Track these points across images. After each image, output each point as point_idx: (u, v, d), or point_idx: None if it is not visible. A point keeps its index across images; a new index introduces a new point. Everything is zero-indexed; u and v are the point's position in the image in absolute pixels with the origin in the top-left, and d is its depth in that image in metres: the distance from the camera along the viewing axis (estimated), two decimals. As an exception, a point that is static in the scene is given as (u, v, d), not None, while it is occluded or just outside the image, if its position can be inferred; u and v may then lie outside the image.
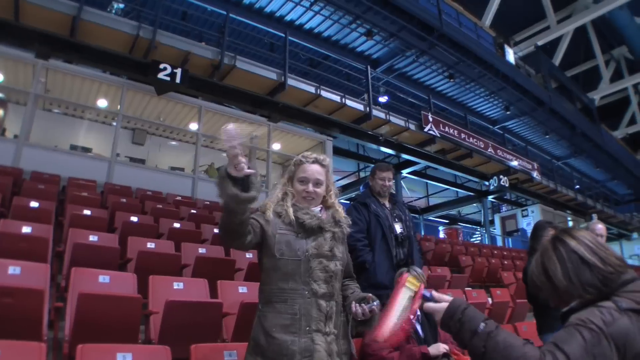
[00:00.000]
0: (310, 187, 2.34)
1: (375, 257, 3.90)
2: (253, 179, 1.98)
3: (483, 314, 1.48)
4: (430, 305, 1.58)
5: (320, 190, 2.37)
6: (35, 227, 5.00)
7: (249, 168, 1.95)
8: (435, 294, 1.60)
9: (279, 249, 2.22)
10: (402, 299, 1.67)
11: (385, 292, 3.65)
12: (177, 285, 4.07)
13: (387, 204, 4.19)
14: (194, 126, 12.20)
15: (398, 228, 4.06)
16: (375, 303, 2.16)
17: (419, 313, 3.20)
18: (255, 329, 2.21)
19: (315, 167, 2.38)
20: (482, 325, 1.41)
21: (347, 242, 3.95)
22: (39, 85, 9.66)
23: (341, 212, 2.43)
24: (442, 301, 1.56)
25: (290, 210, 2.29)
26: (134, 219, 6.43)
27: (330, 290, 2.21)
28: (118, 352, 2.60)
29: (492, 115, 21.30)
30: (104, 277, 3.83)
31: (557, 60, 29.30)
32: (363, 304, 2.17)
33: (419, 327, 3.24)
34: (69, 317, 3.34)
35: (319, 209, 2.39)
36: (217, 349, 2.87)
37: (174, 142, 14.63)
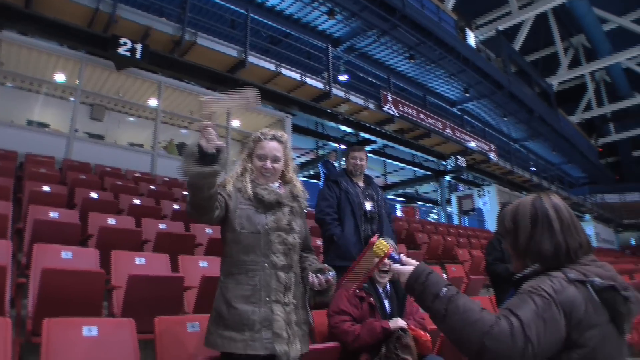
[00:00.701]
0: (268, 164, 2.41)
1: (344, 230, 4.15)
2: (222, 154, 2.02)
3: (445, 280, 1.57)
4: (397, 267, 1.67)
5: (278, 166, 2.44)
6: (-7, 203, 4.95)
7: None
8: (403, 257, 1.69)
9: (239, 223, 2.29)
10: (368, 257, 1.78)
11: None
12: (139, 260, 4.13)
13: (361, 184, 4.46)
14: (153, 102, 12.05)
15: (368, 205, 4.32)
16: (331, 274, 2.27)
17: (388, 288, 3.34)
18: (218, 299, 2.30)
19: (273, 144, 2.44)
20: (444, 289, 1.51)
21: (316, 215, 4.18)
22: (-9, 57, 9.33)
23: (299, 187, 2.50)
24: (409, 264, 1.65)
25: (249, 186, 2.36)
26: (94, 195, 6.40)
27: (289, 262, 2.31)
28: (84, 325, 2.65)
29: (451, 97, 21.55)
30: (66, 253, 3.84)
31: (518, 45, 29.80)
32: (319, 275, 2.28)
33: (386, 302, 3.35)
34: (32, 294, 3.35)
35: (278, 184, 2.47)
36: (180, 321, 2.96)
37: (132, 118, 14.38)
